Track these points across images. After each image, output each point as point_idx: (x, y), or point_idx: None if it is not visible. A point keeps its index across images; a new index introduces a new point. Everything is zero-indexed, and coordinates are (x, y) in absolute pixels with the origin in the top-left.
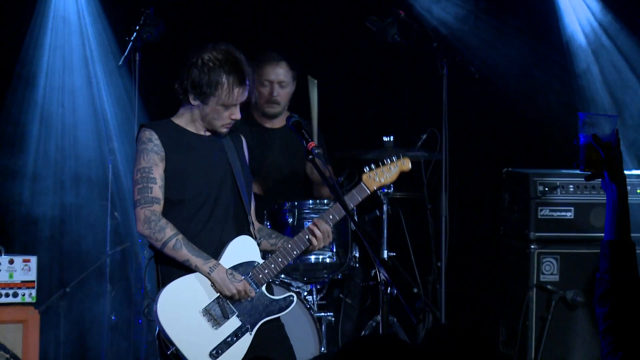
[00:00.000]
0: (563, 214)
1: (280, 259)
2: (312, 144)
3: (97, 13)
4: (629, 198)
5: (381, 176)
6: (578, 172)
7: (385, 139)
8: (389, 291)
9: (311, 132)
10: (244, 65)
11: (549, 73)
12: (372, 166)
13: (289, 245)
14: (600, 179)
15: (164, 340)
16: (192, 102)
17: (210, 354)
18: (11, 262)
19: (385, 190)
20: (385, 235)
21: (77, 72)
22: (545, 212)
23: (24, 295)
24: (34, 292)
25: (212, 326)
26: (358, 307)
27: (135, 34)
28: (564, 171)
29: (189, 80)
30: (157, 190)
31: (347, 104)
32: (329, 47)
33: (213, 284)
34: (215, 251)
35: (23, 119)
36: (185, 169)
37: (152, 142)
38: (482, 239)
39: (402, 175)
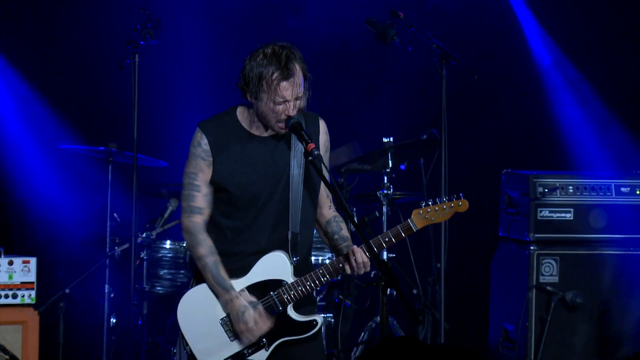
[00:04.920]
0: (562, 215)
1: (308, 283)
2: (311, 146)
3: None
4: (629, 199)
5: (432, 215)
6: (577, 173)
7: (385, 139)
8: (388, 292)
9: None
10: (292, 62)
11: (548, 73)
12: (428, 203)
13: (320, 271)
14: None
15: (183, 340)
16: (249, 99)
17: None
18: (11, 263)
19: (385, 192)
20: None
21: (77, 73)
22: (544, 214)
23: (23, 296)
24: (33, 293)
25: (229, 336)
26: (357, 309)
27: (134, 35)
28: (564, 172)
29: (243, 77)
30: (201, 199)
31: (347, 105)
32: (328, 48)
33: None
34: (248, 260)
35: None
36: (232, 174)
37: (201, 146)
38: (482, 240)
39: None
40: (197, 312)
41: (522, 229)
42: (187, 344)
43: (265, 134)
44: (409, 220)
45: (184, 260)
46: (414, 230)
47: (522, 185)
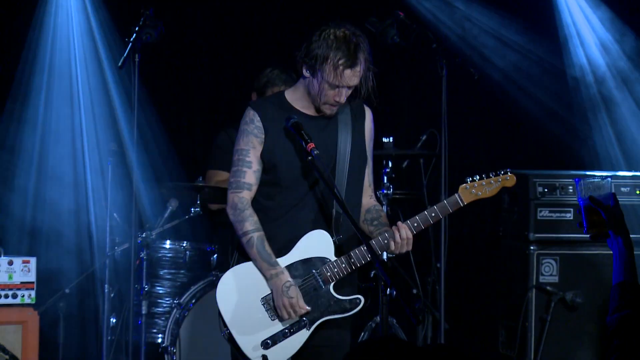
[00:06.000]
0: (562, 215)
1: (352, 260)
2: (311, 145)
3: (98, 14)
4: (629, 199)
5: (480, 189)
6: (577, 173)
7: (384, 139)
8: (388, 292)
9: None
10: (359, 52)
11: (548, 73)
12: (475, 178)
13: (364, 248)
14: (606, 238)
15: (221, 322)
16: (304, 73)
17: (263, 342)
18: (10, 263)
19: (385, 191)
20: None
21: (77, 74)
22: (544, 213)
23: (23, 296)
24: (33, 293)
25: (270, 316)
26: None
27: (134, 35)
28: (564, 172)
29: (305, 48)
30: (251, 175)
31: None
32: None
33: None
34: (291, 240)
35: (23, 121)
36: (280, 154)
37: (254, 123)
38: (482, 240)
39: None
40: (237, 291)
41: (521, 228)
42: (226, 326)
43: (312, 113)
44: (456, 195)
45: (184, 260)
46: (461, 205)
47: (522, 185)
